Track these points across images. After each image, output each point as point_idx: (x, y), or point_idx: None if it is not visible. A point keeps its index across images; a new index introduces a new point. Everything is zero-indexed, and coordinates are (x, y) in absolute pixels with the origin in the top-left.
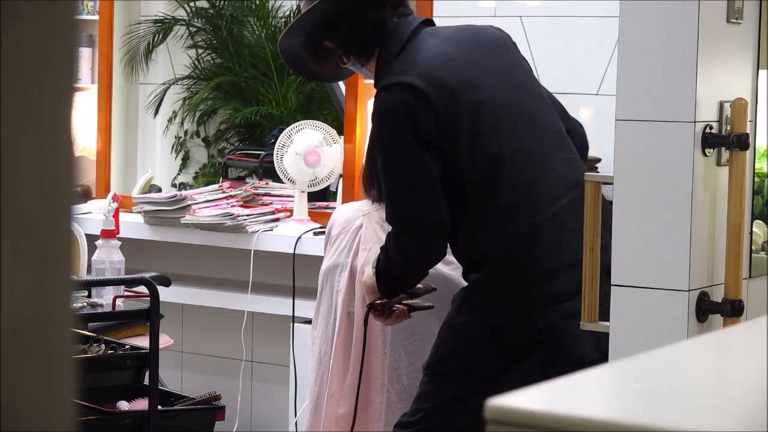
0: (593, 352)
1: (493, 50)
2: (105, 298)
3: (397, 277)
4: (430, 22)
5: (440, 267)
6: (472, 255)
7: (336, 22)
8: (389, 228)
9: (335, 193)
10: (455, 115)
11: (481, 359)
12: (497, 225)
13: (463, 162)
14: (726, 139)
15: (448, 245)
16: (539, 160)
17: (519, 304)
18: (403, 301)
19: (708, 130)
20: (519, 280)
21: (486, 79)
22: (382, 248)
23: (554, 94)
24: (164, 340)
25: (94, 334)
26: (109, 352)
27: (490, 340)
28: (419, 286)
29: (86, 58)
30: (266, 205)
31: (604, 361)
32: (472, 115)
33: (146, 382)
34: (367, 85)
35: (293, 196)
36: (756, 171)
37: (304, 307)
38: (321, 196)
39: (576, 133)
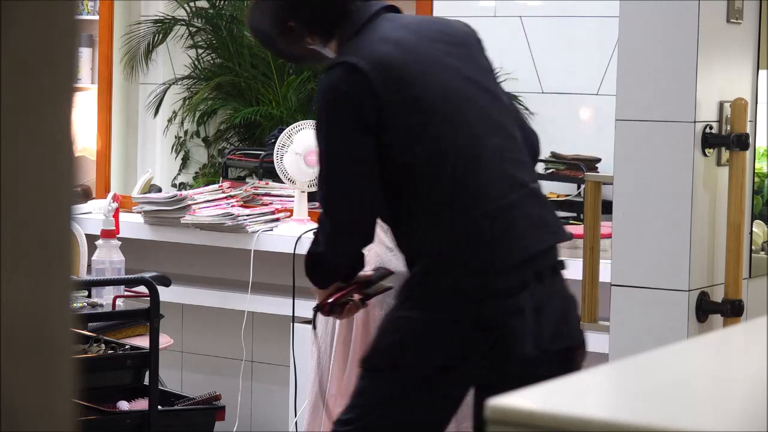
0: (534, 349)
1: (453, 43)
2: (105, 298)
3: (323, 263)
4: (393, 9)
5: (400, 265)
6: (412, 247)
7: (297, 2)
8: (389, 229)
9: None
10: (398, 100)
11: (421, 355)
12: (436, 217)
13: (401, 148)
14: (726, 139)
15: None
16: (486, 156)
17: (459, 300)
18: (358, 292)
19: (708, 130)
20: (459, 276)
21: (438, 70)
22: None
23: (553, 94)
24: (164, 340)
25: (94, 334)
26: (109, 352)
27: (429, 335)
28: (370, 272)
29: (86, 58)
30: (266, 205)
31: (545, 356)
32: (417, 103)
33: (146, 382)
34: None
35: (293, 196)
36: (756, 171)
37: (304, 307)
38: None
39: (529, 143)
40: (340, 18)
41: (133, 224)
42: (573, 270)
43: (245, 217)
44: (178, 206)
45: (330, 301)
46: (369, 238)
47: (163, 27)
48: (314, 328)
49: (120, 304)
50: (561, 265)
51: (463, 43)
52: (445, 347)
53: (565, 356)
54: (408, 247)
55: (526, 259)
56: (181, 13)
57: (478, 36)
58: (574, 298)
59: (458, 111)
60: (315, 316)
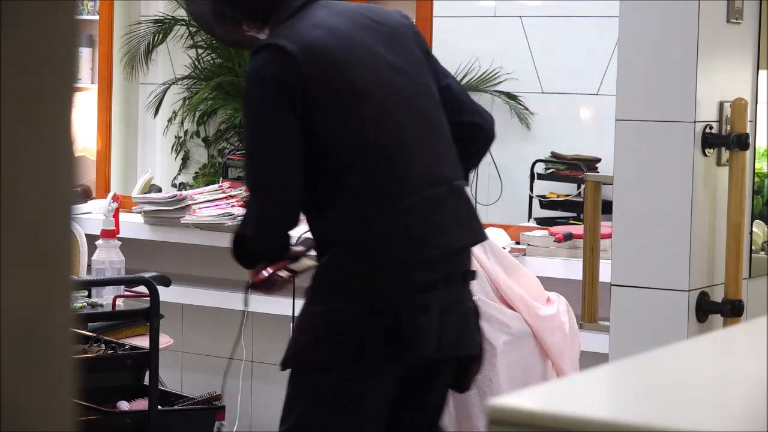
0: (433, 351)
1: (387, 34)
2: (105, 298)
3: (249, 245)
4: None
5: None
6: (326, 235)
7: None
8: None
9: None
10: (326, 86)
11: (332, 350)
12: (355, 206)
13: (326, 134)
14: (726, 139)
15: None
16: (409, 149)
17: (366, 290)
18: (286, 267)
19: (708, 130)
20: (370, 267)
21: (368, 58)
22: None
23: (553, 94)
24: (164, 340)
25: (94, 334)
26: (109, 352)
27: (336, 328)
28: (299, 248)
29: (86, 58)
30: None
31: (442, 361)
32: (344, 90)
33: (146, 382)
34: None
35: None
36: (756, 171)
37: None
38: None
39: (483, 125)
40: (273, 4)
41: (133, 224)
42: (573, 270)
43: None
44: (178, 206)
45: (265, 276)
46: (295, 222)
47: (163, 27)
48: (246, 306)
49: (120, 304)
50: (472, 275)
51: (397, 34)
52: (352, 340)
53: (460, 365)
54: (322, 234)
55: (439, 257)
56: (181, 13)
57: (415, 28)
58: (478, 309)
59: (385, 102)
60: (247, 294)
